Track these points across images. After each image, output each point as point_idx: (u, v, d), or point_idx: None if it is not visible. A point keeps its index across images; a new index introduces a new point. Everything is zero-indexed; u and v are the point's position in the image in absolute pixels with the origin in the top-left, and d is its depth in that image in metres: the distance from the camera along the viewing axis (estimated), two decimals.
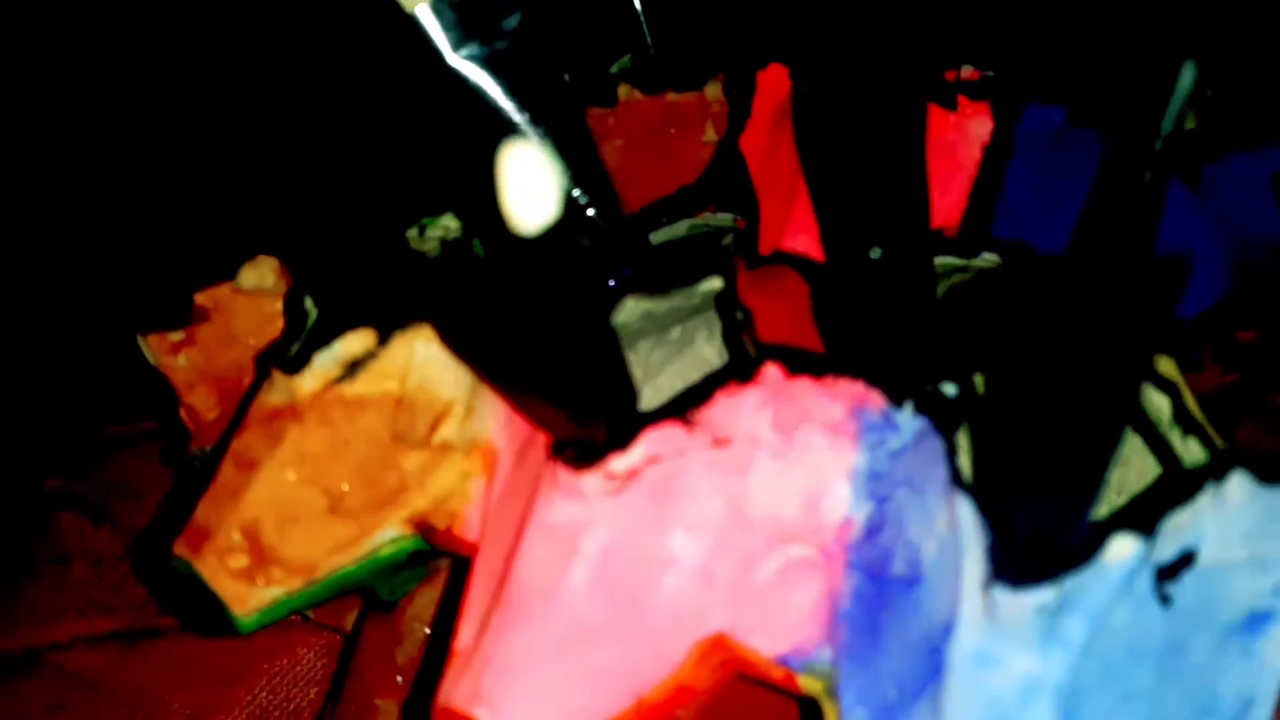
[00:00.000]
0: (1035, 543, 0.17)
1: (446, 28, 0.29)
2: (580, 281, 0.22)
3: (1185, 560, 0.18)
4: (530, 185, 0.18)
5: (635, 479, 0.21)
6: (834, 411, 0.21)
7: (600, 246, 0.32)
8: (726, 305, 0.25)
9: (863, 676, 0.19)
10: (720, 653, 0.21)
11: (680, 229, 0.35)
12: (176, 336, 0.29)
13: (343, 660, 0.31)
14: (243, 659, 0.33)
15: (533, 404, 0.22)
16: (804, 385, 0.21)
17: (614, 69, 0.38)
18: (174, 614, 0.33)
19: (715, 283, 0.26)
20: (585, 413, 0.20)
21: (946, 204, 0.32)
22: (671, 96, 0.36)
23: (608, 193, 0.32)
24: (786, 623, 0.21)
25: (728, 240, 0.35)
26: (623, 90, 0.36)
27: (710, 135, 0.36)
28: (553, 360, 0.20)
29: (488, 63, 0.30)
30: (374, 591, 0.29)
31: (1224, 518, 0.18)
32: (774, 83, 0.36)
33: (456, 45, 0.29)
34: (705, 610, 0.21)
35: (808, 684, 0.21)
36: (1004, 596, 0.17)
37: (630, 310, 0.26)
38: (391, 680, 0.29)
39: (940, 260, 0.30)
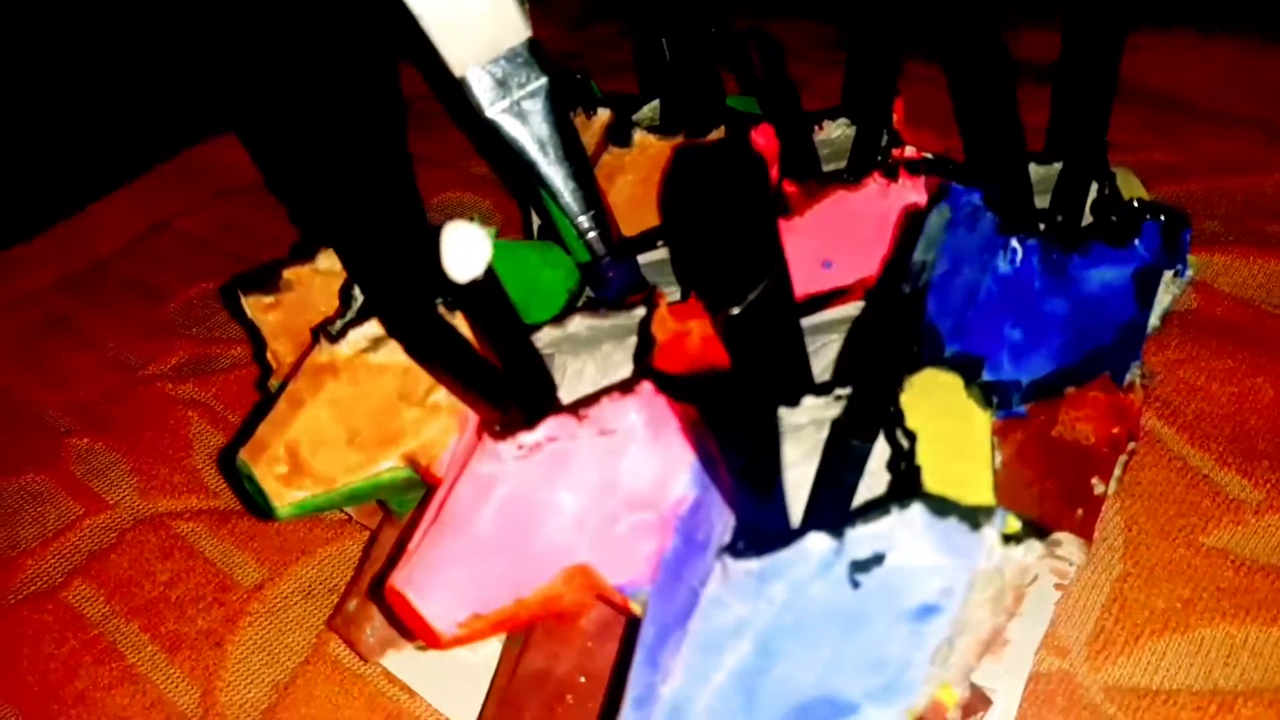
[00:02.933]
0: (748, 529, 0.25)
1: (486, 89, 0.38)
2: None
3: (876, 559, 0.26)
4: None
5: (537, 450, 0.30)
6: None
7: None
8: (642, 332, 0.33)
9: (660, 607, 0.28)
10: (581, 577, 0.30)
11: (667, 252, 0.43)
12: (268, 299, 0.39)
13: (366, 551, 0.42)
14: (303, 541, 0.45)
15: (469, 399, 0.31)
16: (666, 400, 0.30)
17: (636, 115, 0.46)
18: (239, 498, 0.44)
19: (642, 311, 0.34)
20: (505, 405, 0.30)
21: (871, 261, 0.39)
22: (680, 142, 0.44)
23: (606, 217, 0.41)
24: (628, 563, 0.30)
25: None
26: (638, 134, 0.44)
27: None
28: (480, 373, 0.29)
29: (517, 115, 0.39)
30: (387, 504, 0.39)
31: (910, 534, 0.26)
32: (763, 137, 0.44)
33: (493, 102, 0.38)
34: (575, 547, 0.30)
35: (635, 607, 0.29)
36: (730, 562, 0.25)
37: (578, 324, 0.35)
38: (392, 568, 0.39)
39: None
